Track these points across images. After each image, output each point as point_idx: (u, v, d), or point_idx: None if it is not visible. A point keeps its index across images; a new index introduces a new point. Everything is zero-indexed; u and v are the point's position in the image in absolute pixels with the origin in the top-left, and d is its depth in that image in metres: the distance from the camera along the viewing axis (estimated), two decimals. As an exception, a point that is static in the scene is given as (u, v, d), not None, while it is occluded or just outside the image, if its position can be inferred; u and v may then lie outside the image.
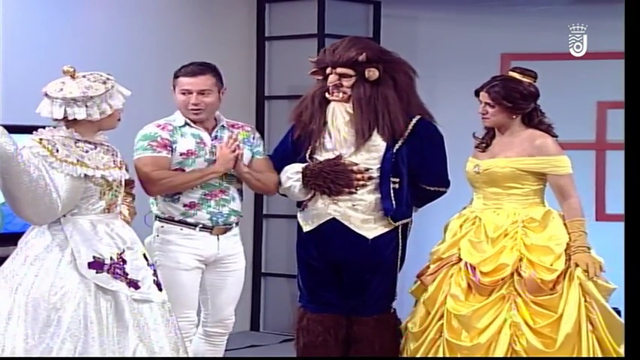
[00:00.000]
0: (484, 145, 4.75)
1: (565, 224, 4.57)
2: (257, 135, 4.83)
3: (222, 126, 4.74)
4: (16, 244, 4.11)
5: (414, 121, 4.77)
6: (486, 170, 4.65)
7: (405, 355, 4.74)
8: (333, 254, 4.79)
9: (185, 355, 4.07)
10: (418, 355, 4.61)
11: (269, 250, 7.26)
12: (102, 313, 3.91)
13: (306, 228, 4.85)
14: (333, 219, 4.76)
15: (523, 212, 4.59)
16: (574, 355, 4.40)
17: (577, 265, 4.47)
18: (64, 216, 4.02)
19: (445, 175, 4.85)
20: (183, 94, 4.64)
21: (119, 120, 4.13)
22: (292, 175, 4.77)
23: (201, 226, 4.63)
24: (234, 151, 4.58)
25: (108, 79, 4.08)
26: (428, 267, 4.75)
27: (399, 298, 4.91)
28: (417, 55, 6.67)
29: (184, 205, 4.62)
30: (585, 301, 4.45)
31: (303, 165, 4.77)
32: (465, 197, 4.85)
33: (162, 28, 6.60)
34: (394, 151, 4.74)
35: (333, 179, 4.71)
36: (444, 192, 4.86)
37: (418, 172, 4.80)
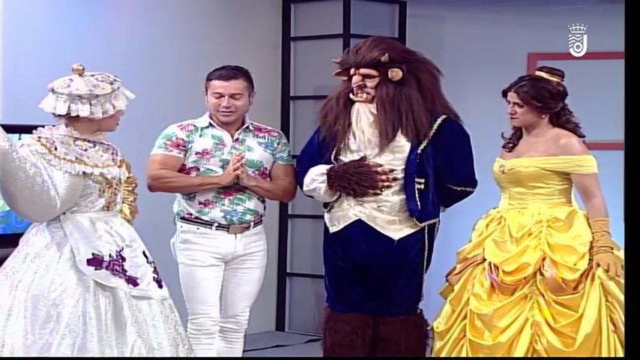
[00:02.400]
0: (511, 145, 4.73)
1: (589, 224, 4.55)
2: (283, 141, 4.89)
3: (247, 128, 4.80)
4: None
5: (439, 121, 4.75)
6: (511, 170, 4.63)
7: (431, 355, 4.73)
8: (359, 255, 4.77)
9: (185, 353, 4.10)
10: (443, 355, 4.60)
11: (294, 250, 7.26)
12: (101, 309, 3.95)
13: (332, 229, 4.84)
14: (359, 220, 4.75)
15: (548, 212, 4.57)
16: (595, 355, 4.38)
17: (598, 265, 4.45)
18: (64, 214, 4.06)
19: (472, 174, 4.83)
20: (216, 97, 4.73)
21: (118, 123, 4.17)
22: (317, 177, 4.76)
23: (217, 225, 4.71)
24: (236, 169, 4.66)
25: (115, 80, 4.12)
26: (455, 267, 4.75)
27: (427, 299, 4.90)
28: (443, 55, 6.66)
29: (199, 203, 4.73)
30: (607, 301, 4.42)
31: (328, 167, 4.76)
32: (493, 198, 4.83)
33: (187, 29, 6.61)
34: (419, 151, 4.72)
35: (357, 181, 4.70)
36: (472, 191, 4.84)
37: (444, 172, 4.77)
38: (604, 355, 4.36)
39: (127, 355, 3.95)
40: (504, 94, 4.67)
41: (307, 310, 7.08)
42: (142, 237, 4.24)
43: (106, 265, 4.02)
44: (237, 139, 4.76)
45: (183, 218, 4.78)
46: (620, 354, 4.37)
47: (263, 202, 4.84)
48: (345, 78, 4.82)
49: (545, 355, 4.42)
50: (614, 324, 4.41)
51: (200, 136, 4.75)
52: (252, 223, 4.78)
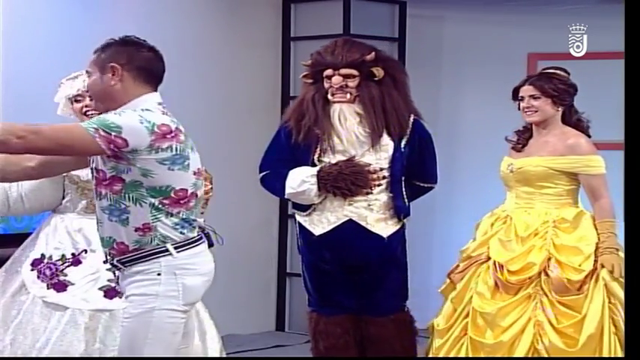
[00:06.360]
0: (520, 145, 4.68)
1: (595, 225, 4.54)
2: None
3: None
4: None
5: (411, 120, 4.80)
6: (520, 169, 4.62)
7: (430, 353, 4.72)
8: (350, 255, 4.78)
9: None
10: (442, 354, 4.59)
11: (294, 250, 7.24)
12: (15, 309, 4.00)
13: (317, 231, 4.82)
14: (350, 220, 4.76)
15: (555, 212, 4.56)
16: (596, 356, 4.37)
17: (603, 266, 4.44)
18: (53, 211, 4.13)
19: (436, 172, 4.94)
20: None
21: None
22: (308, 178, 4.72)
23: None
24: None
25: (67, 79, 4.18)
26: (457, 266, 4.74)
27: (426, 297, 4.91)
28: (443, 55, 6.66)
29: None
30: (610, 302, 4.42)
31: (316, 168, 4.74)
32: (495, 197, 4.83)
33: (187, 29, 6.61)
34: (402, 150, 4.75)
35: (353, 180, 4.70)
36: (434, 187, 4.94)
37: (416, 170, 4.85)
38: (604, 356, 4.36)
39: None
40: (515, 92, 4.64)
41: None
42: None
43: (42, 266, 4.03)
44: None
45: None
46: (620, 355, 4.37)
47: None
48: (310, 81, 4.80)
49: (545, 355, 4.42)
50: (615, 325, 4.40)
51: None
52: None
